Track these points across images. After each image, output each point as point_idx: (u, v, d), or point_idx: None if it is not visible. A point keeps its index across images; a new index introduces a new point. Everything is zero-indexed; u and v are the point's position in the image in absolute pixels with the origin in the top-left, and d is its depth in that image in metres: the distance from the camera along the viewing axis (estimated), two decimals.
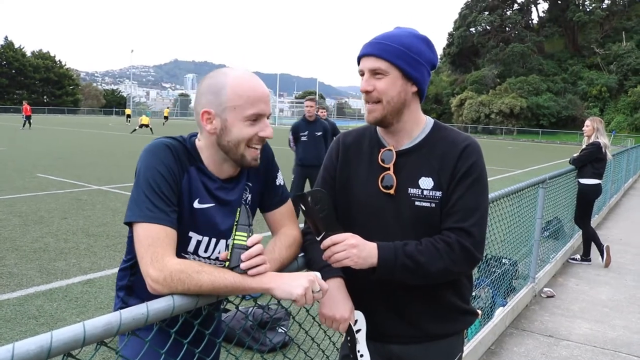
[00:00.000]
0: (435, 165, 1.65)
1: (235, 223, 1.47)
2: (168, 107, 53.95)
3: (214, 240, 1.65)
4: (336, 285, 1.65)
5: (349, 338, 1.66)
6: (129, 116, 56.03)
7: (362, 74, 1.66)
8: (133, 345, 1.42)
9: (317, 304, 1.68)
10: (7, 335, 3.99)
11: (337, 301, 1.63)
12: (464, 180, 1.62)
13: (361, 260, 1.54)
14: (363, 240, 1.56)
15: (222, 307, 1.78)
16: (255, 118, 1.55)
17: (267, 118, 1.60)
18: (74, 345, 1.09)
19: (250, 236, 1.45)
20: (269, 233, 1.82)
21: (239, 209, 1.52)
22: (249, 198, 1.73)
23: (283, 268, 1.66)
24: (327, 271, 1.65)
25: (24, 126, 33.96)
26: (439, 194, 1.63)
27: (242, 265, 1.41)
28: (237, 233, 1.45)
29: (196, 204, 1.59)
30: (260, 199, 1.80)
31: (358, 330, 1.70)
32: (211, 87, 1.55)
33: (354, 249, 1.53)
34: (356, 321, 1.70)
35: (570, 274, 6.49)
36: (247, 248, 1.43)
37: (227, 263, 1.44)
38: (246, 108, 1.52)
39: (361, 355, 1.68)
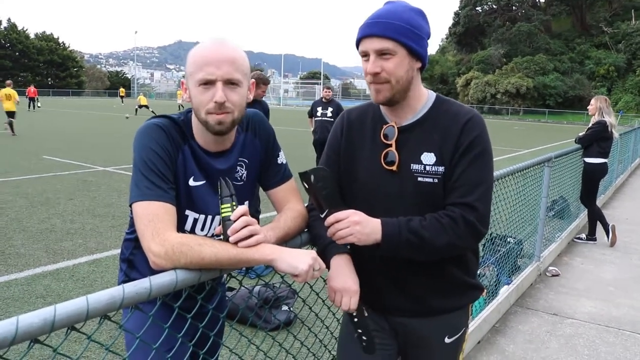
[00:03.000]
0: (438, 140, 1.63)
1: (219, 197, 1.48)
2: (141, 94, 41.97)
3: (209, 217, 1.66)
4: (344, 261, 1.65)
5: (355, 314, 1.66)
6: (122, 97, 55.22)
7: (364, 55, 1.60)
8: (136, 319, 1.43)
9: (322, 281, 1.69)
10: (15, 314, 4.01)
11: (345, 274, 1.63)
12: (466, 154, 1.60)
13: (364, 236, 1.53)
14: (366, 217, 1.55)
15: (226, 282, 1.79)
16: (206, 82, 1.50)
17: (231, 83, 1.52)
18: (77, 319, 1.10)
19: (234, 206, 1.46)
20: (274, 212, 1.82)
21: (218, 183, 1.51)
22: (244, 175, 1.73)
23: (288, 238, 1.66)
24: (334, 247, 1.65)
25: (29, 108, 34.21)
26: (441, 169, 1.62)
27: (230, 239, 1.41)
28: (222, 207, 1.47)
29: (191, 182, 1.60)
30: (260, 177, 1.80)
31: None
32: (186, 59, 1.58)
33: (357, 225, 1.52)
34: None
35: (575, 253, 6.49)
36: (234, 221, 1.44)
37: (222, 237, 1.45)
38: (196, 73, 1.51)
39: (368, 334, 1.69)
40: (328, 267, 1.69)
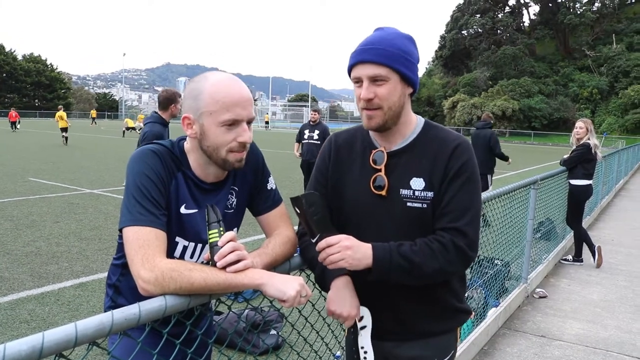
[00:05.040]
0: (427, 165, 1.65)
1: (207, 223, 1.49)
2: (128, 116, 45.51)
3: (199, 246, 1.67)
4: (344, 283, 1.67)
5: (352, 330, 1.68)
6: (94, 118, 55.47)
7: (357, 81, 1.62)
8: (124, 345, 1.42)
9: (310, 305, 1.69)
10: None
11: (345, 298, 1.65)
12: (455, 180, 1.62)
13: (356, 261, 1.55)
14: (358, 242, 1.57)
15: (214, 308, 1.78)
16: (232, 123, 1.52)
17: (250, 122, 1.57)
18: (65, 346, 1.09)
19: (221, 232, 1.46)
20: (262, 235, 1.82)
21: (205, 209, 1.52)
22: (234, 202, 1.74)
23: (276, 264, 1.67)
24: (334, 269, 1.66)
25: (12, 129, 34.92)
26: (430, 194, 1.63)
27: (217, 264, 1.42)
28: (209, 232, 1.47)
29: (183, 210, 1.60)
30: (251, 204, 1.81)
31: (363, 327, 1.71)
32: (192, 92, 1.55)
33: (349, 250, 1.54)
34: (362, 318, 1.71)
35: (562, 275, 6.52)
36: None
37: (210, 263, 1.45)
38: (221, 113, 1.51)
39: (365, 352, 1.70)
40: (327, 290, 1.71)
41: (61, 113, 26.09)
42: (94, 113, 57.67)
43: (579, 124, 6.95)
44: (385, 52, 1.56)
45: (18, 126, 36.39)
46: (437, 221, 1.64)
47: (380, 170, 1.68)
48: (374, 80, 1.58)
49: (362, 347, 1.71)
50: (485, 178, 8.93)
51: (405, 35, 1.64)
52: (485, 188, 8.61)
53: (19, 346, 1.02)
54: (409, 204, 1.65)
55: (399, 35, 1.62)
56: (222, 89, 1.51)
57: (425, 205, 1.64)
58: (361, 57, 1.59)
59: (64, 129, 25.50)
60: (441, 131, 1.72)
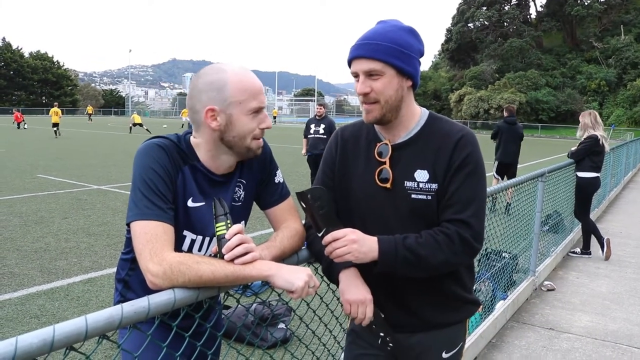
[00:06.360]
0: (431, 157, 1.66)
1: (214, 216, 1.50)
2: (135, 112, 48.24)
3: (207, 239, 1.67)
4: (353, 273, 1.68)
5: (373, 320, 1.68)
6: (90, 115, 55.28)
7: (355, 75, 1.64)
8: (134, 338, 1.43)
9: (318, 299, 1.70)
10: (9, 334, 4.00)
11: (357, 286, 1.66)
12: (459, 171, 1.63)
13: (362, 255, 1.56)
14: (363, 235, 1.58)
15: (222, 302, 1.79)
16: (257, 110, 1.59)
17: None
18: (76, 339, 1.10)
19: (228, 224, 1.47)
20: (270, 229, 1.83)
21: (212, 202, 1.53)
22: (242, 195, 1.75)
23: (284, 257, 1.68)
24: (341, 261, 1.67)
25: (18, 127, 35.52)
26: (434, 186, 1.64)
27: (225, 257, 1.43)
28: (216, 225, 1.48)
29: (190, 203, 1.61)
30: (258, 197, 1.82)
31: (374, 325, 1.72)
32: (212, 85, 1.55)
33: (355, 244, 1.54)
34: (374, 324, 1.72)
35: (570, 267, 6.50)
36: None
37: (218, 255, 1.46)
38: (249, 102, 1.56)
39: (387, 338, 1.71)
40: (335, 282, 1.72)
41: (56, 109, 29.19)
42: (90, 109, 56.98)
43: (579, 118, 7.01)
44: (379, 47, 1.58)
45: (25, 126, 36.78)
46: (442, 213, 1.64)
47: (385, 163, 1.69)
48: (370, 74, 1.60)
49: (386, 335, 1.72)
50: (516, 167, 10.09)
51: (405, 28, 1.64)
52: (515, 176, 9.52)
53: (31, 339, 1.03)
54: (413, 196, 1.65)
55: (397, 28, 1.62)
56: (245, 78, 1.58)
57: (429, 197, 1.65)
58: (357, 52, 1.62)
59: (56, 124, 28.55)
60: (445, 123, 1.73)
